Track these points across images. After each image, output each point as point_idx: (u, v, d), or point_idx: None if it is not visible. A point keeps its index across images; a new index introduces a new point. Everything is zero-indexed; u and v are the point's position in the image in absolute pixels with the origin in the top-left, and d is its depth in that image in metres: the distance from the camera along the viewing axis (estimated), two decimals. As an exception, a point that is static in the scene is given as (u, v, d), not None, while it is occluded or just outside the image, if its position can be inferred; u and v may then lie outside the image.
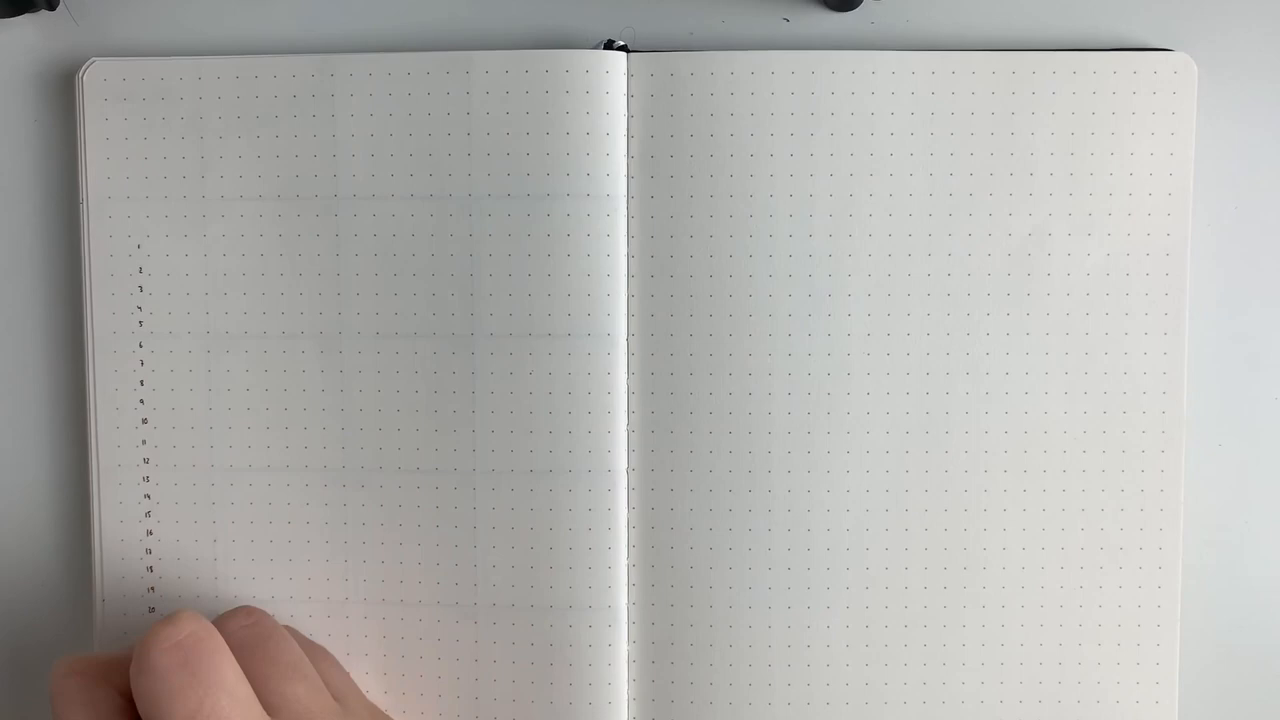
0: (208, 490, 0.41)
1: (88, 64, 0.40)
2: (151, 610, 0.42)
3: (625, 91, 0.40)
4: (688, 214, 0.40)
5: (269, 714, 0.35)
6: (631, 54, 0.40)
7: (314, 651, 0.40)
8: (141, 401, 0.41)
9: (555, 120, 0.40)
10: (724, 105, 0.40)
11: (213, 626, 0.35)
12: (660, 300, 0.41)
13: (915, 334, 0.40)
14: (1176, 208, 0.40)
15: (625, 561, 0.41)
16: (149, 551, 0.41)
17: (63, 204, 0.41)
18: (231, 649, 0.35)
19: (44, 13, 0.41)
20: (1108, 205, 0.40)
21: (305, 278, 0.41)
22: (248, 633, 0.37)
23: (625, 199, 0.40)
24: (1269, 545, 0.41)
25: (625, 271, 0.40)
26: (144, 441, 0.41)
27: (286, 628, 0.39)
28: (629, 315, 0.40)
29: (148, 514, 0.41)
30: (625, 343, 0.40)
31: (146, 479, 0.41)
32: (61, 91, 0.41)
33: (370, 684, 0.41)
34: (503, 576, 0.41)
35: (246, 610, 0.38)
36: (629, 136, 0.40)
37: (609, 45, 0.40)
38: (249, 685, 0.34)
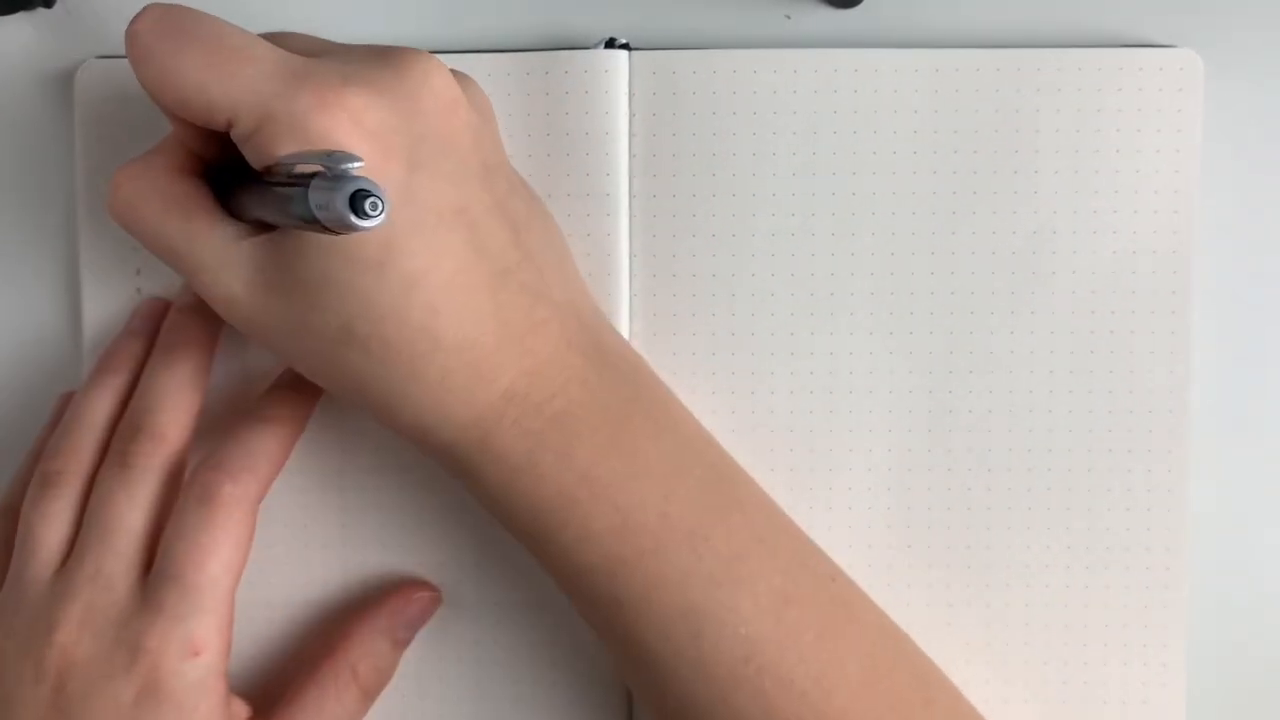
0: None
1: (84, 64, 0.40)
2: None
3: (627, 91, 0.40)
4: (689, 214, 0.40)
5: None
6: (633, 53, 0.40)
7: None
8: (140, 405, 0.41)
9: (556, 120, 0.39)
10: (725, 104, 0.40)
11: None
12: (661, 300, 0.40)
13: (918, 333, 0.40)
14: (1182, 206, 0.40)
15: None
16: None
17: (60, 204, 0.41)
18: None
19: (41, 11, 0.41)
20: (1113, 203, 0.40)
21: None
22: None
23: (627, 199, 0.40)
24: (1275, 544, 0.41)
25: (627, 271, 0.40)
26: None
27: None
28: (630, 315, 0.40)
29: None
30: (627, 340, 0.40)
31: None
32: (58, 91, 0.41)
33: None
34: (506, 576, 0.41)
35: None
36: (631, 135, 0.40)
37: (610, 44, 0.40)
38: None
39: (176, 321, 0.39)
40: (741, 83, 0.40)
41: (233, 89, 0.32)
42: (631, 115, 0.40)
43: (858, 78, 0.40)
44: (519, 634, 0.41)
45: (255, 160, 0.33)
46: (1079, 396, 0.40)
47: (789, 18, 0.41)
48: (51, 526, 0.36)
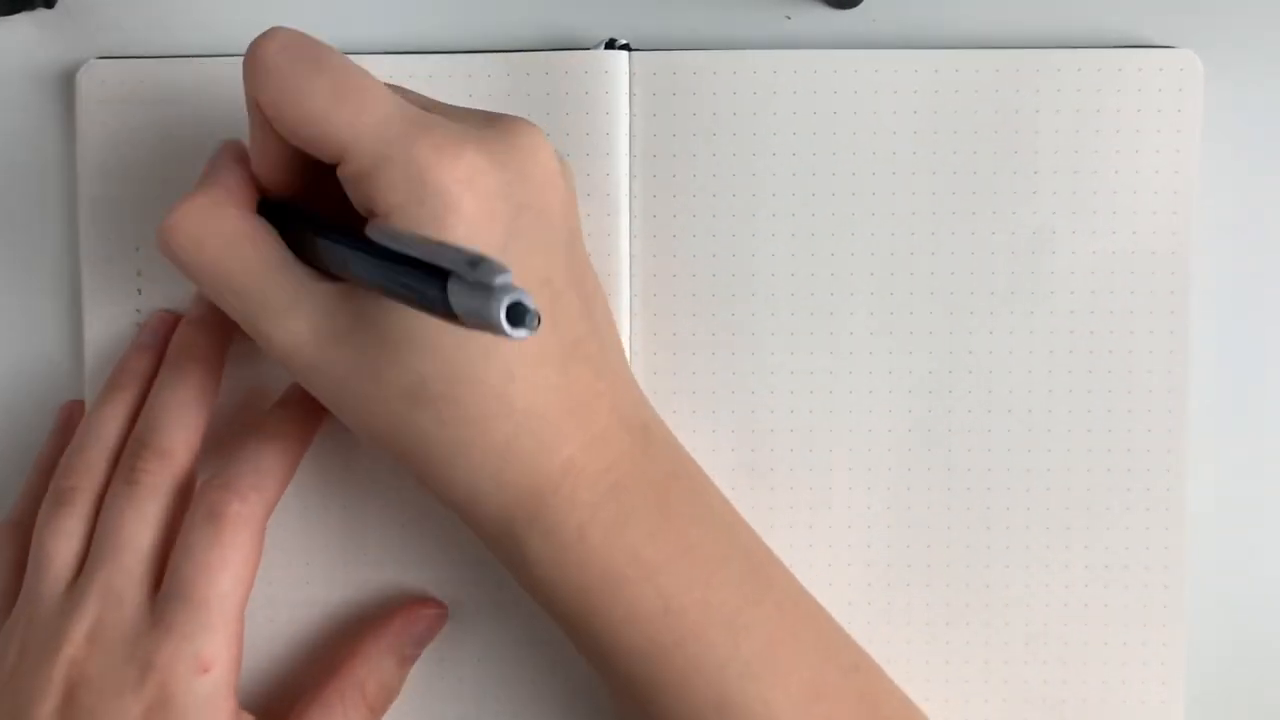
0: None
1: (85, 65, 0.40)
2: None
3: (627, 91, 0.40)
4: (689, 214, 0.40)
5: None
6: (633, 53, 0.40)
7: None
8: (141, 405, 0.41)
9: (556, 121, 0.39)
10: (726, 104, 0.40)
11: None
12: (661, 300, 0.40)
13: (918, 333, 0.40)
14: (1181, 206, 0.40)
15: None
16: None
17: (60, 205, 0.41)
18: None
19: (42, 11, 0.41)
20: (1112, 204, 0.40)
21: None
22: None
23: (627, 199, 0.40)
24: (1275, 544, 0.41)
25: (627, 271, 0.40)
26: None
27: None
28: (631, 315, 0.40)
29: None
30: (628, 342, 0.40)
31: (147, 482, 0.41)
32: (59, 92, 0.41)
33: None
34: (511, 590, 0.41)
35: None
36: (631, 136, 0.40)
37: (611, 44, 0.40)
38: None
39: (184, 336, 0.39)
40: (741, 83, 0.40)
41: (355, 123, 0.32)
42: (632, 115, 0.40)
43: (858, 78, 0.40)
44: (522, 633, 0.41)
45: (361, 201, 0.32)
46: (1078, 396, 0.40)
47: (789, 18, 0.41)
48: (63, 543, 0.36)
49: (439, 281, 0.28)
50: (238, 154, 0.36)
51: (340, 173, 0.33)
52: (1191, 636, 0.41)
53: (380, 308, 0.32)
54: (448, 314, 0.28)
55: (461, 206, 0.32)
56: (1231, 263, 0.41)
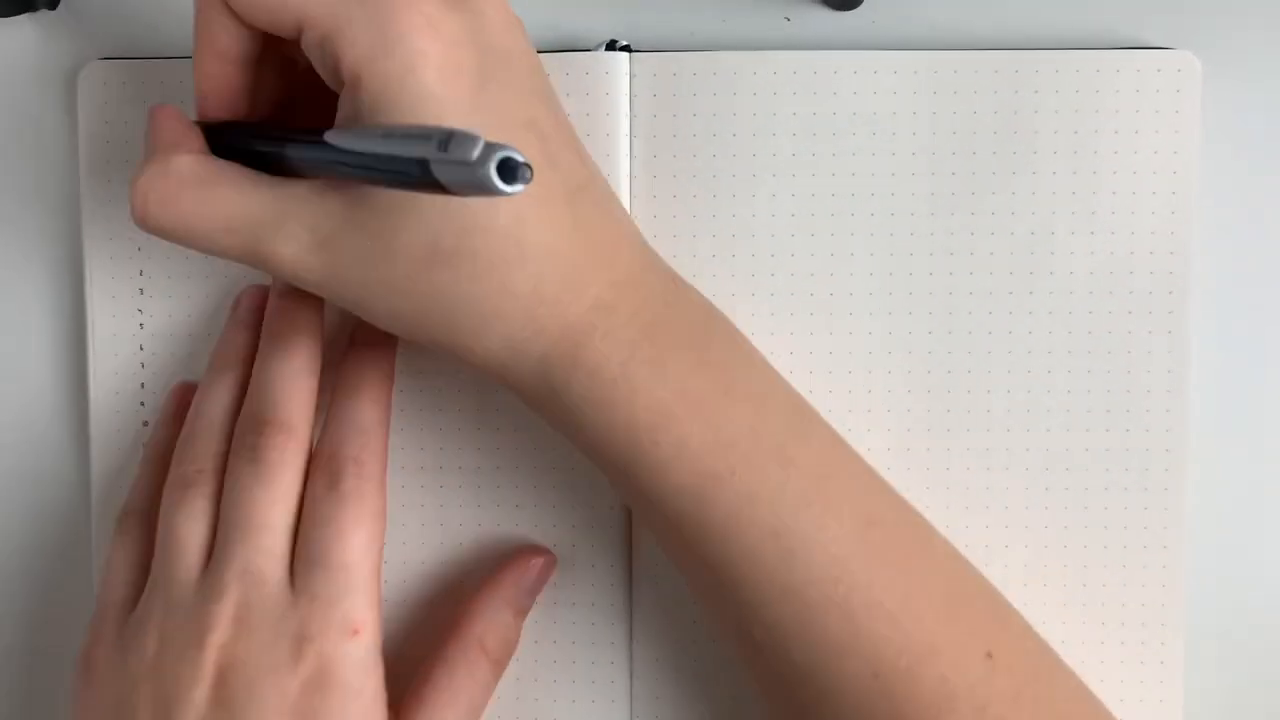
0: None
1: (87, 66, 0.40)
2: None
3: (628, 92, 0.40)
4: (689, 214, 0.40)
5: None
6: (634, 54, 0.40)
7: None
8: (142, 404, 0.41)
9: (556, 121, 0.40)
10: (726, 105, 0.40)
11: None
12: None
13: (918, 333, 0.40)
14: (1180, 206, 0.40)
15: (631, 562, 0.41)
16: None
17: (63, 205, 0.41)
18: None
19: (44, 13, 0.41)
20: (1111, 204, 0.40)
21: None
22: None
23: (627, 199, 0.40)
24: (1276, 544, 0.41)
25: (627, 272, 0.40)
26: (145, 444, 0.41)
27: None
28: (631, 315, 0.40)
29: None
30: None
31: (148, 482, 0.41)
32: (61, 92, 0.41)
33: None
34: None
35: None
36: (631, 137, 0.40)
37: (611, 46, 0.40)
38: None
39: (279, 308, 0.38)
40: (742, 84, 0.40)
41: None
42: (632, 117, 0.40)
43: (857, 79, 0.40)
44: (525, 631, 0.41)
45: (328, 66, 0.32)
46: (1078, 396, 0.40)
47: (789, 20, 0.41)
48: (194, 526, 0.36)
49: (417, 163, 0.28)
50: (168, 112, 0.36)
51: (303, 43, 0.33)
52: (1191, 636, 0.41)
53: (370, 187, 0.32)
54: (437, 188, 0.28)
55: (429, 53, 0.31)
56: (1231, 263, 0.41)
